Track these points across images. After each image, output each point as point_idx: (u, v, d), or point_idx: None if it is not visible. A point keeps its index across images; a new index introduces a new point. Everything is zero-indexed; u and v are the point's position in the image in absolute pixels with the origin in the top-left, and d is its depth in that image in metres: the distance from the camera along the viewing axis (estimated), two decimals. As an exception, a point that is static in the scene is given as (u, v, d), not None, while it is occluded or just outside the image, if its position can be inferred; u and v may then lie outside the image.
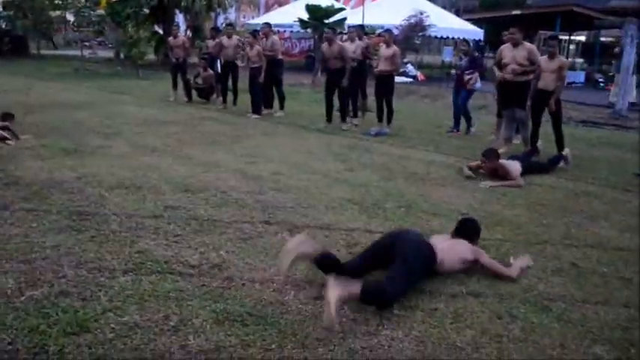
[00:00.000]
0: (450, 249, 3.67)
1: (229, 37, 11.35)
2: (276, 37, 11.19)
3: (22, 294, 3.13)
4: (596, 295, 3.56)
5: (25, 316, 2.89)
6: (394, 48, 9.08)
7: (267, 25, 11.05)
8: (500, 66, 7.71)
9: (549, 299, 3.44)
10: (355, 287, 2.98)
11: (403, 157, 7.43)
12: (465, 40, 11.71)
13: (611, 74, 19.67)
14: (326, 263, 3.35)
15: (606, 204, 5.64)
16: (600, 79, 20.86)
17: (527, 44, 7.69)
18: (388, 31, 9.57)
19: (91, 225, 4.28)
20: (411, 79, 19.96)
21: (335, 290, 2.88)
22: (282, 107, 10.90)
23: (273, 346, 2.75)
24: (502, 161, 6.41)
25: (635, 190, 6.22)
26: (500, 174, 6.24)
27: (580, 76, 22.16)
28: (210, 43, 12.54)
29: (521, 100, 7.59)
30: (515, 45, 7.56)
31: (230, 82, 11.47)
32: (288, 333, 2.87)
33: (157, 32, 23.64)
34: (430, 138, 9.06)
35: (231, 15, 29.30)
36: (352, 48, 9.67)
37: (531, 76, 7.51)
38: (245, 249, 3.96)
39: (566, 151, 7.39)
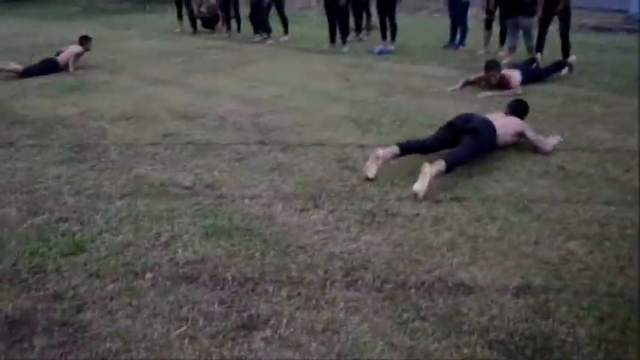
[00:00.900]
0: (505, 125, 4.32)
1: None
2: None
3: (24, 221, 3.33)
4: (578, 194, 3.63)
5: (27, 241, 3.08)
6: None
7: None
8: None
9: (531, 200, 3.53)
10: (440, 164, 3.66)
11: (405, 73, 7.40)
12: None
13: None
14: (411, 150, 4.03)
15: (604, 107, 5.61)
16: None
17: None
18: None
19: (92, 155, 4.44)
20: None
21: (429, 168, 3.59)
22: (286, 32, 10.77)
23: (257, 254, 2.91)
24: (504, 71, 6.38)
25: (636, 93, 6.14)
26: (502, 84, 6.22)
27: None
28: None
29: (525, 7, 7.40)
30: None
31: (232, 10, 11.37)
32: (272, 242, 3.03)
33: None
34: (434, 53, 8.96)
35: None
36: None
37: None
38: (238, 168, 4.10)
39: (571, 59, 7.27)
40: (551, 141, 4.48)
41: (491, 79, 6.28)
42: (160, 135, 4.89)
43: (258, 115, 5.41)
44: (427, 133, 4.78)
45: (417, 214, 3.35)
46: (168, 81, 7.16)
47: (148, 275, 2.73)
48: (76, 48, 8.03)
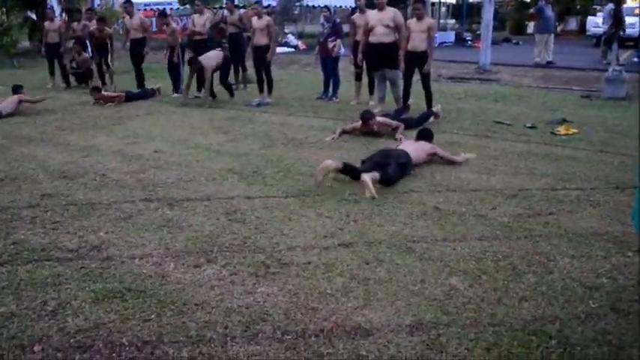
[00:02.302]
0: (417, 149, 5.48)
1: (131, 16, 11.14)
2: (142, 16, 11.14)
3: None
4: (454, 233, 3.94)
5: None
6: (267, 18, 9.23)
7: (129, 2, 10.82)
8: (368, 31, 7.99)
9: (413, 241, 3.77)
10: (374, 174, 4.75)
11: (284, 125, 7.62)
12: (325, 6, 11.91)
13: (478, 32, 20.91)
14: (349, 172, 4.95)
15: (468, 150, 6.13)
16: (468, 38, 22.22)
17: (390, 8, 8.03)
18: (258, 2, 9.74)
19: (-40, 223, 4.13)
20: (292, 49, 20.14)
21: (367, 176, 4.66)
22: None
23: (153, 316, 2.85)
24: (379, 118, 6.84)
25: (493, 137, 6.80)
26: (380, 130, 6.72)
27: (450, 36, 23.64)
28: (77, 26, 12.02)
29: (391, 60, 7.95)
30: (381, 9, 7.90)
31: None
32: (167, 302, 2.98)
33: (29, 18, 22.08)
34: (310, 104, 9.31)
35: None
36: (201, 21, 9.99)
37: (397, 37, 7.88)
38: (125, 227, 4.00)
39: (436, 108, 7.90)
40: (465, 155, 5.79)
41: (373, 127, 6.70)
42: (38, 196, 4.65)
43: (141, 172, 5.31)
44: (311, 182, 4.98)
45: (309, 262, 3.46)
46: (43, 139, 6.82)
47: (37, 348, 2.59)
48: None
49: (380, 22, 7.84)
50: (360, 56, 8.48)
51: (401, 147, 5.50)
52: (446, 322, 2.77)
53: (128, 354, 2.54)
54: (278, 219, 4.14)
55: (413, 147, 5.48)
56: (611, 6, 15.43)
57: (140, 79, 10.86)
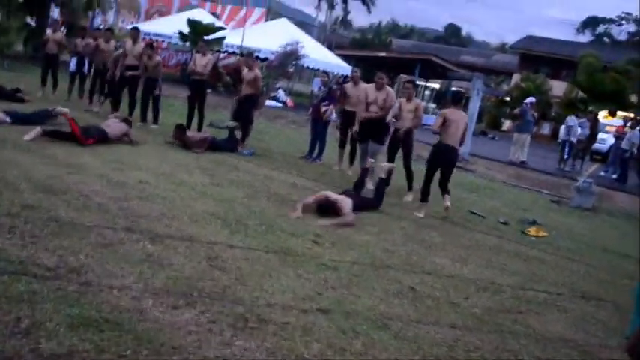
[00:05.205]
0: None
1: (107, 41, 11.19)
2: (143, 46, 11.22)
3: None
4: (428, 316, 4.01)
5: None
6: (256, 71, 9.51)
7: (136, 29, 11.02)
8: (365, 104, 8.25)
9: (389, 318, 3.82)
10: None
11: (268, 178, 7.70)
12: (324, 71, 12.29)
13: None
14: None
15: (443, 236, 6.29)
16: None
17: (389, 88, 8.41)
18: (250, 55, 10.17)
19: None
20: (281, 104, 20.52)
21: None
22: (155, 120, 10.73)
23: (128, 352, 2.80)
24: (336, 196, 6.35)
25: (467, 226, 7.00)
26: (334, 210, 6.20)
27: (431, 120, 24.29)
28: (80, 42, 12.11)
29: (378, 135, 8.21)
30: (379, 88, 8.18)
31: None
32: (144, 340, 2.94)
33: (28, 24, 22.12)
34: (294, 162, 9.44)
35: (110, 18, 28.32)
36: (203, 62, 10.20)
37: (384, 114, 8.12)
38: (105, 254, 3.94)
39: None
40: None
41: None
42: (19, 206, 4.55)
43: (125, 200, 5.27)
44: (292, 241, 5.03)
45: (288, 322, 3.46)
46: (30, 149, 6.68)
47: (7, 366, 2.52)
48: None
49: (376, 100, 8.14)
50: (356, 127, 8.51)
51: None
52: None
53: (101, 387, 2.49)
54: (258, 273, 4.15)
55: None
56: (574, 120, 16.27)
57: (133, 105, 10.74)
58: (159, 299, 3.44)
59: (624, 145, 15.22)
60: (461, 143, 7.50)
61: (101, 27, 20.20)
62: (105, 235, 4.31)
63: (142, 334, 2.99)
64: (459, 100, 8.18)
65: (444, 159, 7.34)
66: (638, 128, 15.32)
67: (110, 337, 2.91)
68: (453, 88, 32.58)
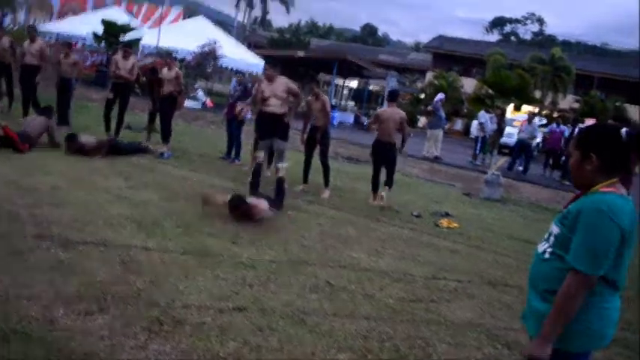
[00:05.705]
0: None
1: (32, 40, 10.67)
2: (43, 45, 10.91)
3: None
4: (344, 309, 4.13)
5: None
6: (176, 70, 9.38)
7: (32, 27, 10.96)
8: (261, 100, 7.40)
9: (305, 313, 3.91)
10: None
11: (185, 179, 7.62)
12: (238, 70, 12.25)
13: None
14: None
15: (359, 230, 6.46)
16: (365, 122, 23.57)
17: (282, 77, 7.57)
18: (169, 55, 10.01)
19: None
20: (200, 105, 20.22)
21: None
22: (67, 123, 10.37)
23: (37, 362, 2.75)
24: (251, 201, 6.24)
25: (382, 220, 7.21)
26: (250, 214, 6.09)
27: (350, 118, 25.09)
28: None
29: (282, 131, 7.47)
30: (271, 79, 7.41)
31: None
32: (54, 349, 2.88)
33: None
34: (212, 163, 9.37)
35: (21, 17, 26.91)
36: (127, 66, 9.91)
37: (289, 108, 7.48)
38: (13, 264, 3.81)
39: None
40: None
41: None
42: None
43: (36, 206, 5.08)
44: (209, 242, 5.02)
45: (204, 323, 3.48)
46: None
47: None
48: None
49: (273, 92, 7.28)
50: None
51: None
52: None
53: (7, 400, 2.43)
54: (174, 275, 4.14)
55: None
56: (485, 115, 17.03)
57: (36, 105, 10.33)
58: (70, 307, 3.37)
59: (523, 135, 15.95)
60: (404, 137, 8.33)
61: (10, 26, 19.14)
62: (14, 244, 4.15)
63: (51, 344, 2.93)
64: (394, 97, 8.80)
65: (381, 155, 8.19)
66: (535, 120, 16.30)
67: (17, 348, 2.84)
68: (370, 87, 33.49)
